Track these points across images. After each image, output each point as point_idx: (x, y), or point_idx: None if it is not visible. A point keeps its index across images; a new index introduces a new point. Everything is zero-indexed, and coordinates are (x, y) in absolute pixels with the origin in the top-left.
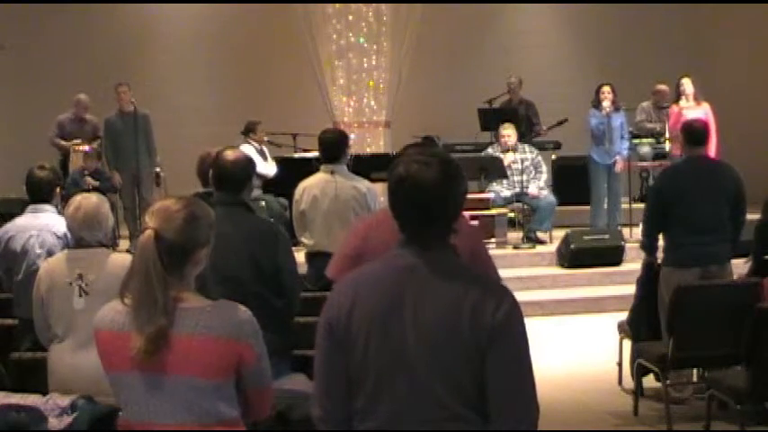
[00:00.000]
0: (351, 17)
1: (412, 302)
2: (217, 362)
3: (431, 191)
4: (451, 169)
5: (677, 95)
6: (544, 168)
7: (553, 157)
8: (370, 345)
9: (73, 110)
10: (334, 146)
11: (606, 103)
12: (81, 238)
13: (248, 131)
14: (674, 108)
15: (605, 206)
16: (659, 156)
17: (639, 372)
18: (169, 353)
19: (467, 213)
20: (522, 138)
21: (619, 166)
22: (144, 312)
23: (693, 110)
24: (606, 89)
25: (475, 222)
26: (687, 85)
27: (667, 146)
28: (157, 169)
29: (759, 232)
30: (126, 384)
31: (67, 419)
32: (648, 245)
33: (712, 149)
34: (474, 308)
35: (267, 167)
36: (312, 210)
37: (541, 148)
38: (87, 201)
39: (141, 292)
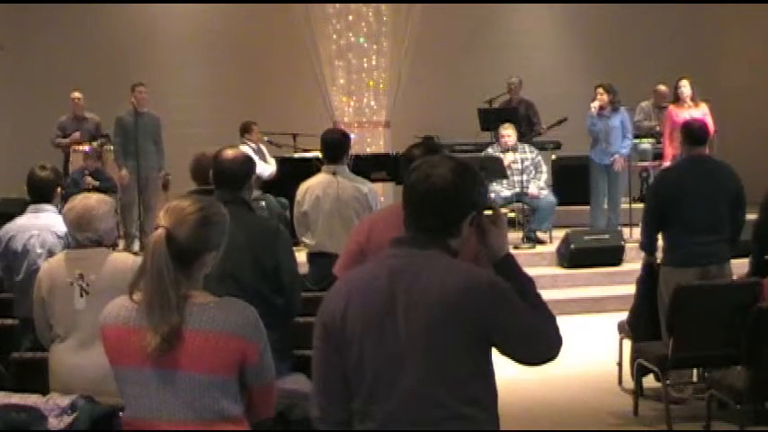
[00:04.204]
0: (351, 17)
1: (404, 302)
2: (220, 358)
3: (439, 192)
4: (465, 174)
5: (675, 97)
6: (544, 168)
7: (553, 157)
8: (365, 345)
9: (71, 109)
10: (336, 146)
11: (595, 104)
12: (74, 237)
13: (244, 132)
14: (671, 109)
15: (605, 206)
16: (659, 155)
17: (639, 372)
18: (176, 349)
19: None
20: (522, 138)
21: (617, 165)
22: (157, 310)
23: (691, 111)
24: (599, 90)
25: None
26: (685, 86)
27: None
28: (167, 174)
29: (756, 232)
30: (131, 379)
31: (67, 419)
32: (648, 245)
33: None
34: (461, 287)
35: (263, 167)
36: (314, 210)
37: (541, 148)
38: (82, 201)
39: (154, 290)
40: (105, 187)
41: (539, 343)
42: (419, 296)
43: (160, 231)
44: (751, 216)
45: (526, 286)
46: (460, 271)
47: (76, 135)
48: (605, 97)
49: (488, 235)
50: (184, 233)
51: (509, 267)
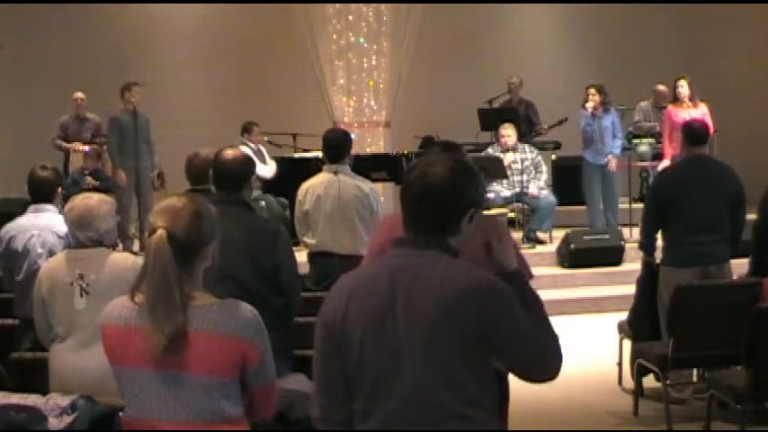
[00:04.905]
0: (351, 17)
1: (405, 302)
2: (221, 360)
3: (432, 188)
4: (460, 171)
5: (674, 96)
6: (544, 168)
7: (553, 157)
8: (366, 346)
9: (73, 109)
10: (338, 146)
11: (589, 104)
12: (75, 237)
13: (244, 132)
14: (670, 109)
15: (601, 206)
16: (658, 155)
17: (639, 372)
18: (179, 351)
19: None
20: (522, 138)
21: (612, 165)
22: (161, 310)
23: (690, 111)
24: (591, 90)
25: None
26: (683, 86)
27: None
28: (160, 171)
29: (756, 233)
30: (131, 379)
31: (67, 419)
32: (647, 244)
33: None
34: (462, 289)
35: (264, 169)
36: (315, 210)
37: (541, 148)
38: (83, 201)
39: (158, 291)
40: (105, 187)
41: (537, 352)
42: (419, 297)
43: (160, 232)
44: (752, 216)
45: (532, 304)
46: (460, 272)
47: (77, 144)
48: (597, 98)
49: (494, 251)
50: (182, 229)
51: (515, 284)
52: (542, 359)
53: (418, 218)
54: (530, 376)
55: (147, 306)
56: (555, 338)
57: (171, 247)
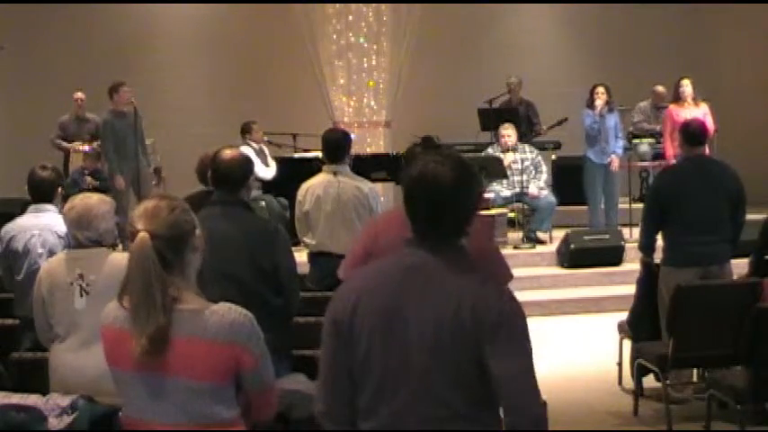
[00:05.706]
0: (351, 17)
1: (415, 302)
2: (213, 366)
3: (446, 189)
4: (467, 171)
5: (676, 96)
6: (544, 168)
7: (553, 157)
8: (374, 343)
9: (73, 110)
10: (337, 146)
11: (599, 103)
12: (75, 237)
13: (245, 132)
14: (672, 108)
15: (602, 206)
16: (658, 155)
17: (639, 372)
18: (167, 355)
19: None
20: (522, 138)
21: (614, 165)
22: (143, 312)
23: (691, 110)
24: (600, 89)
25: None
26: (687, 86)
27: None
28: (156, 166)
29: (764, 232)
30: (126, 382)
31: (67, 419)
32: (647, 245)
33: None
34: (474, 305)
35: (265, 171)
36: (315, 210)
37: (541, 148)
38: (83, 200)
39: (140, 293)
40: (105, 187)
41: (527, 382)
42: (433, 297)
43: (142, 235)
44: (752, 216)
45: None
46: (474, 281)
47: (77, 144)
48: (605, 97)
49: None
50: (163, 225)
51: None
52: (525, 391)
53: (429, 222)
54: (506, 407)
55: (131, 308)
56: (536, 385)
57: (156, 247)
